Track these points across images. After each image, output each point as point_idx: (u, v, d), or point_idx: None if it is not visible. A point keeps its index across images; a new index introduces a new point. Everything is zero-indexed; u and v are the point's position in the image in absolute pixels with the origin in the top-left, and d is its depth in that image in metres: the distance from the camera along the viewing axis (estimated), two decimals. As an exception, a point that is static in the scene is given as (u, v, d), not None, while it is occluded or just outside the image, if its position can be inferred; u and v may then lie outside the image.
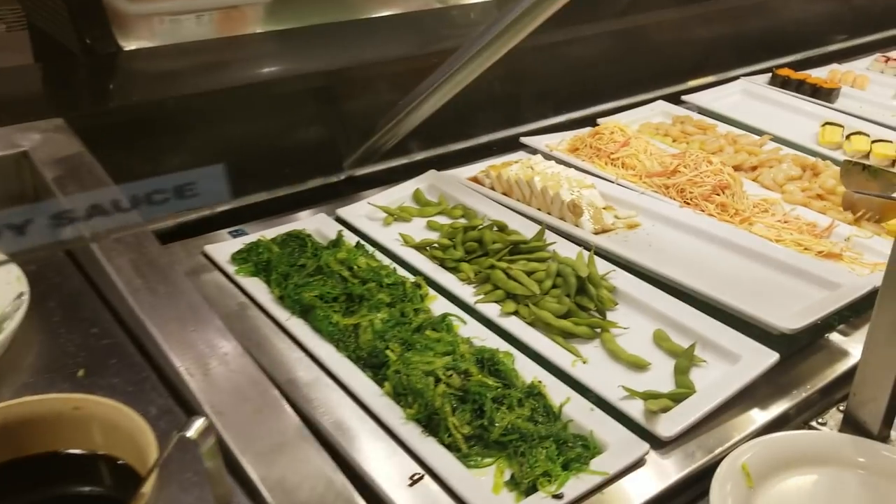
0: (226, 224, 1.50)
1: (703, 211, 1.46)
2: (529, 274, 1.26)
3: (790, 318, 1.13)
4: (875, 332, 0.97)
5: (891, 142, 1.77)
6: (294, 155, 1.74)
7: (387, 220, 1.47)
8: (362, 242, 1.34)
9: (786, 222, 1.46)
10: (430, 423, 0.98)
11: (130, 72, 1.72)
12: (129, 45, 1.71)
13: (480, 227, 1.36)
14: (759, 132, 1.85)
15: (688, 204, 1.48)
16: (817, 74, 2.28)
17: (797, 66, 2.39)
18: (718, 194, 1.47)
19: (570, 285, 1.21)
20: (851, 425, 1.03)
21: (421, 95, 1.51)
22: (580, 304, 1.20)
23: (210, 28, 1.83)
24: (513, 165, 1.57)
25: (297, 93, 1.77)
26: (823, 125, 1.86)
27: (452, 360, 1.06)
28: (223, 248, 1.34)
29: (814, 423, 1.05)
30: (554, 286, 1.24)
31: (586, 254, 1.30)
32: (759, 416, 1.05)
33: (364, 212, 1.48)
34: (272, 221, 1.49)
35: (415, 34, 2.05)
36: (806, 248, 1.37)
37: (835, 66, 2.38)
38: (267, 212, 1.56)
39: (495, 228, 1.37)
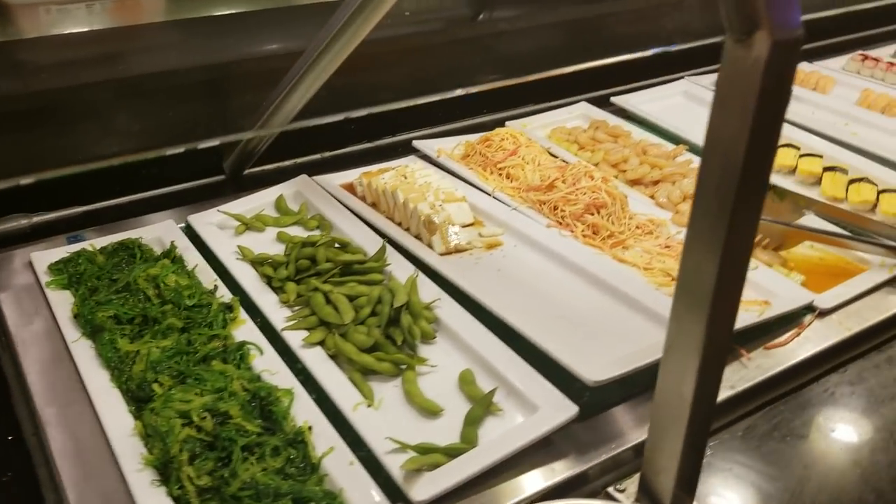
0: (89, 225, 1.44)
1: (571, 232, 1.33)
2: (353, 298, 1.16)
3: (602, 367, 1.01)
4: (661, 393, 0.85)
5: (820, 156, 1.61)
6: (178, 153, 1.66)
7: (238, 230, 1.38)
8: (181, 255, 1.25)
9: (667, 247, 1.33)
10: (166, 471, 0.90)
11: (10, 64, 1.66)
12: (12, 37, 1.65)
13: (319, 242, 1.26)
14: (681, 140, 1.71)
15: (560, 223, 1.36)
16: (780, 75, 2.11)
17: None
18: (592, 213, 1.35)
19: (383, 314, 1.11)
20: (648, 496, 0.91)
21: (282, 92, 1.41)
22: (392, 336, 1.10)
23: (103, 18, 1.76)
24: (386, 173, 1.47)
25: (187, 86, 1.69)
26: (752, 135, 1.70)
27: (218, 398, 0.97)
28: (47, 256, 1.27)
29: (612, 490, 0.94)
30: (374, 314, 1.14)
31: (423, 277, 1.19)
32: (544, 478, 0.94)
33: (217, 219, 1.40)
34: (127, 225, 1.42)
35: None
36: (674, 279, 1.24)
37: (803, 64, 2.20)
38: (141, 212, 1.49)
39: (337, 245, 1.28)
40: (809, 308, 1.21)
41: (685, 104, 1.93)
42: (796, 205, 1.40)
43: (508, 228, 1.36)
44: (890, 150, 1.70)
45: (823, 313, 1.21)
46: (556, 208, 1.37)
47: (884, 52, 2.35)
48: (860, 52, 2.28)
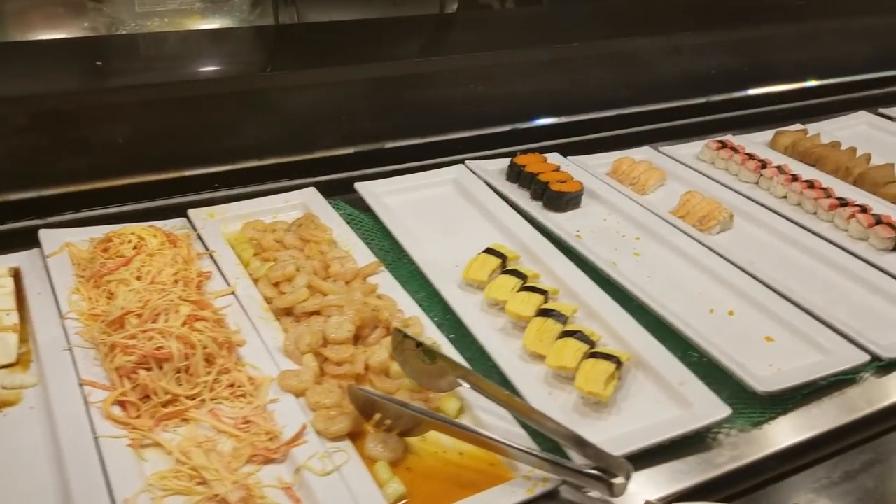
0: None
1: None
2: None
3: None
4: None
5: (544, 292, 1.22)
6: None
7: None
8: None
9: (247, 423, 0.97)
10: None
11: None
12: None
13: None
14: (400, 249, 1.34)
15: (118, 381, 1.00)
16: (602, 161, 1.75)
17: (606, 144, 1.85)
18: (150, 369, 0.99)
19: None
20: None
21: None
22: None
23: None
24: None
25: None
26: (483, 252, 1.33)
27: None
28: None
29: None
30: None
31: None
32: None
33: None
34: None
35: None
36: (203, 482, 0.88)
37: (641, 150, 1.82)
38: None
39: None
40: (382, 547, 0.84)
41: (450, 196, 1.56)
42: (450, 370, 1.03)
43: (45, 379, 1.00)
44: (665, 279, 1.33)
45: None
46: (113, 356, 1.01)
47: (755, 138, 1.98)
48: (718, 138, 1.90)
